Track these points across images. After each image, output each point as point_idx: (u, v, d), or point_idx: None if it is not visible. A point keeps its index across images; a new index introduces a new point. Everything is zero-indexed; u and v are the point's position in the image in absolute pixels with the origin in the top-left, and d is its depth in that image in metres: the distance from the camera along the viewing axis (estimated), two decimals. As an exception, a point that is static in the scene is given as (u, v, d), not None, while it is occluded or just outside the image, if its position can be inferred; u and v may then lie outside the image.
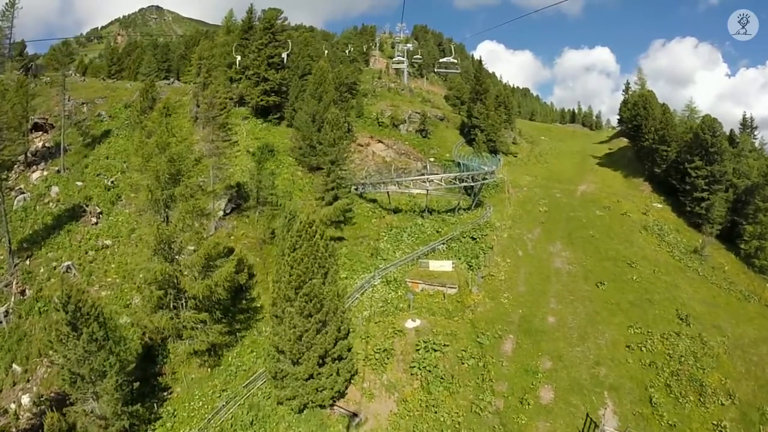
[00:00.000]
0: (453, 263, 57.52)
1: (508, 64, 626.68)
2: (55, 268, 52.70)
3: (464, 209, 75.40)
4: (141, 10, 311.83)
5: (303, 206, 65.25)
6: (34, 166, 66.25)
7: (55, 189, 62.84)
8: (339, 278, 57.76)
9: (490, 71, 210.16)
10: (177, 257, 45.73)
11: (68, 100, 77.79)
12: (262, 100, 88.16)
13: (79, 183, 64.63)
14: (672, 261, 64.06)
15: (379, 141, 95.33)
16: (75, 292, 35.45)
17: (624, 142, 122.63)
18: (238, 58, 77.57)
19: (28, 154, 67.29)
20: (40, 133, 73.18)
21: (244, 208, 66.53)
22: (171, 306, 45.34)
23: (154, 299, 43.91)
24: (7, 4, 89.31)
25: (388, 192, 74.83)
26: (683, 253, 66.33)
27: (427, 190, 72.95)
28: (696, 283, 59.05)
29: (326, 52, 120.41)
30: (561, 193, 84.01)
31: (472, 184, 73.30)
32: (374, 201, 76.40)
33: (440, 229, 68.93)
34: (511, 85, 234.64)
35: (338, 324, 38.88)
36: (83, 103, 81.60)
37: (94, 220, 60.15)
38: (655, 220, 74.71)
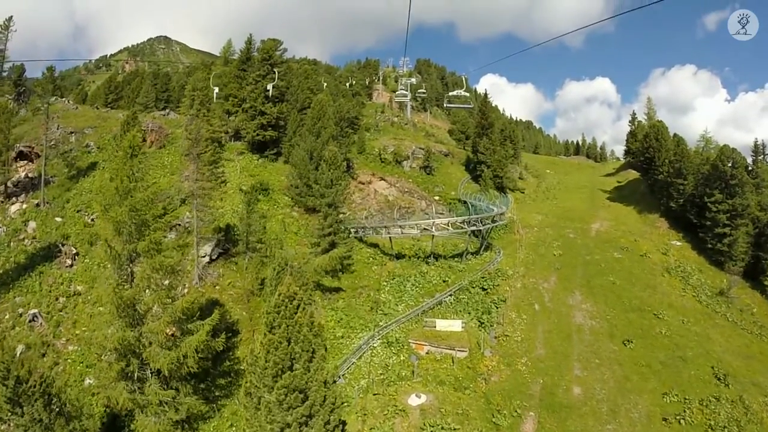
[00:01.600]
0: (463, 323, 49.37)
1: (511, 97, 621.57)
2: (21, 315, 45.44)
3: (472, 253, 67.15)
4: (150, 40, 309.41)
5: (296, 254, 57.08)
6: (14, 198, 58.79)
7: (32, 225, 55.44)
8: (335, 337, 50.02)
9: (493, 104, 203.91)
10: (143, 320, 37.47)
11: (57, 129, 71.04)
12: (258, 134, 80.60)
13: (59, 219, 57.23)
14: (699, 307, 57.03)
15: (382, 178, 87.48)
16: (16, 364, 27.44)
17: (633, 174, 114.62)
18: (216, 89, 69.71)
19: (9, 185, 59.93)
20: (25, 162, 65.67)
21: (233, 253, 58.31)
22: (134, 377, 36.95)
23: (114, 370, 35.72)
24: (0, 26, 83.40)
25: (390, 236, 66.72)
26: (709, 296, 59.30)
27: (433, 235, 64.67)
28: (727, 332, 52.77)
29: (325, 84, 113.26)
30: (574, 233, 75.95)
31: (481, 227, 64.87)
32: (375, 246, 68.24)
33: (447, 278, 60.93)
34: (514, 118, 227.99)
35: (326, 416, 30.29)
36: (71, 133, 73.70)
37: (69, 261, 52.39)
38: (676, 261, 67.09)
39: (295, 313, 29.51)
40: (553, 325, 52.08)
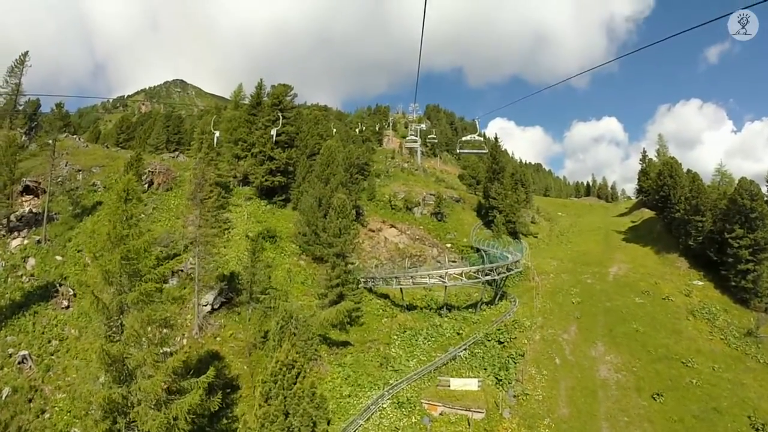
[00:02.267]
0: (479, 381, 45.29)
1: (519, 141, 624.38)
2: (11, 355, 42.47)
3: (487, 303, 63.35)
4: (166, 82, 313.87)
5: (301, 306, 53.74)
6: (16, 232, 56.36)
7: (31, 261, 52.89)
8: (341, 396, 46.16)
9: (503, 149, 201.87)
10: (132, 376, 33.93)
11: (65, 165, 69.35)
12: (266, 179, 78.22)
13: (59, 257, 54.57)
14: (728, 350, 53.24)
15: (392, 226, 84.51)
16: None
17: (647, 213, 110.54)
18: (216, 134, 67.47)
19: (12, 218, 57.64)
20: (30, 197, 63.60)
21: (236, 302, 54.84)
22: (122, 438, 33.23)
23: (100, 429, 32.09)
24: (16, 60, 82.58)
25: (401, 287, 62.97)
26: (737, 338, 55.23)
27: (446, 285, 60.91)
28: (760, 375, 49.11)
29: (335, 130, 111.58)
30: (592, 279, 71.98)
31: (496, 277, 61.07)
32: (385, 296, 64.72)
33: (461, 330, 57.09)
34: (524, 161, 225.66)
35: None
36: (79, 170, 71.81)
37: (65, 303, 49.48)
38: (700, 302, 62.95)
39: (294, 383, 26.14)
40: (576, 380, 47.97)
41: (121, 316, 33.39)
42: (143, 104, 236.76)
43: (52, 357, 44.14)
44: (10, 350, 42.95)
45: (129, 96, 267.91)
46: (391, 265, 75.02)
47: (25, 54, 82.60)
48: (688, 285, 68.36)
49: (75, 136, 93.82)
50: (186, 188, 69.43)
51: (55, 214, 60.91)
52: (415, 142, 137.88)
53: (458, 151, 45.58)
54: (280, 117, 74.66)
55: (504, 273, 61.58)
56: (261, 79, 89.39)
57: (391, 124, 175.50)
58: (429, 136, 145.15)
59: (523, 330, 55.33)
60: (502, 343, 53.18)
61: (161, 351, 35.45)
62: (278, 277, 61.18)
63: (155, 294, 33.93)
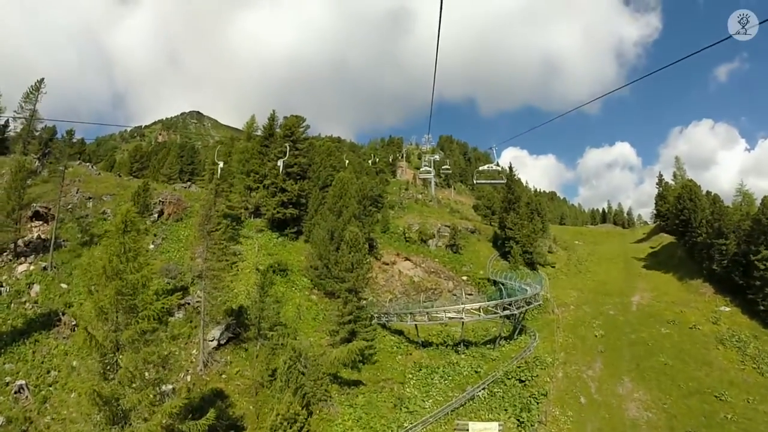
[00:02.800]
0: (500, 425, 42.14)
1: (532, 169, 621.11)
2: (8, 384, 40.66)
3: (505, 338, 60.10)
4: (182, 114, 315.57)
5: (311, 344, 51.04)
6: (23, 258, 54.83)
7: (36, 288, 51.22)
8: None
9: (517, 178, 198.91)
10: (127, 418, 31.25)
11: (75, 193, 68.47)
12: (278, 211, 76.27)
13: (64, 285, 52.82)
14: (762, 380, 49.45)
15: (407, 258, 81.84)
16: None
17: (666, 238, 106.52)
18: (220, 164, 65.65)
19: (20, 243, 56.12)
20: (40, 222, 62.15)
21: (244, 338, 52.28)
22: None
23: None
24: (31, 87, 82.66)
25: (416, 323, 59.82)
26: None
27: (463, 321, 57.76)
28: None
29: (347, 162, 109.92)
30: (614, 309, 68.66)
31: (515, 311, 57.86)
32: (400, 333, 61.60)
33: (479, 368, 53.82)
34: (538, 190, 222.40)
35: None
36: (89, 198, 70.55)
37: (67, 332, 47.45)
38: (728, 330, 59.26)
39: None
40: (604, 421, 44.55)
41: (116, 353, 31.09)
42: (160, 134, 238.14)
43: (50, 388, 42.08)
44: (8, 378, 41.24)
45: (146, 126, 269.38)
46: (405, 299, 72.26)
47: (41, 81, 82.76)
48: (715, 312, 64.74)
49: (88, 163, 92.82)
50: (196, 219, 68.28)
51: (64, 241, 59.53)
52: (429, 173, 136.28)
53: (475, 181, 43.21)
54: (288, 148, 73.15)
55: (523, 306, 58.39)
56: (273, 111, 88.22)
57: (404, 156, 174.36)
58: (443, 167, 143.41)
59: (544, 367, 52.07)
60: (524, 381, 49.91)
61: (161, 390, 33.11)
62: (288, 312, 58.81)
63: (153, 332, 31.67)
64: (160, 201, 70.93)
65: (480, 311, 56.36)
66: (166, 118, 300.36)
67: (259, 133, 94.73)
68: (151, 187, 73.26)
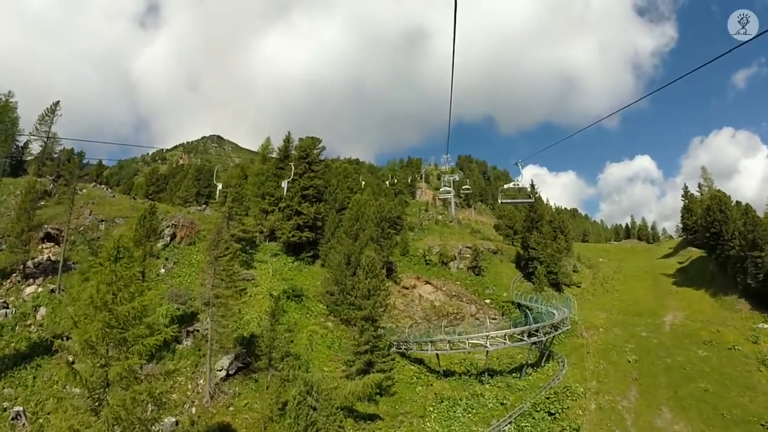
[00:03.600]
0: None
1: (553, 187, 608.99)
2: (6, 410, 38.56)
3: (532, 365, 56.09)
4: (203, 138, 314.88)
5: (324, 376, 47.57)
6: (32, 279, 53.08)
7: (42, 311, 49.39)
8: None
9: (538, 195, 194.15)
10: None
11: (89, 215, 66.95)
12: (293, 235, 73.38)
13: (71, 309, 50.05)
14: None
15: (427, 282, 78.34)
16: None
17: (695, 252, 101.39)
18: (219, 186, 62.56)
19: (30, 265, 54.52)
20: (51, 244, 60.50)
21: (254, 368, 48.90)
22: None
23: None
24: (47, 109, 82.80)
25: (437, 352, 56.05)
26: None
27: (487, 350, 53.91)
28: None
29: (364, 183, 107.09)
30: (647, 331, 64.53)
31: (543, 338, 53.74)
32: (420, 362, 57.84)
33: (505, 400, 49.89)
34: (560, 207, 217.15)
35: None
36: (102, 221, 68.74)
37: (71, 358, 44.52)
38: (771, 348, 54.71)
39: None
40: (643, 458, 40.46)
41: (106, 389, 28.19)
42: (180, 158, 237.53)
43: (48, 416, 39.49)
44: (6, 404, 39.15)
45: (168, 150, 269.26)
46: (426, 324, 68.88)
47: (56, 103, 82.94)
48: (754, 330, 60.53)
49: (103, 185, 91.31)
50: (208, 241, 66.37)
51: (74, 263, 57.56)
52: (449, 193, 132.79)
53: (500, 201, 39.07)
54: (293, 167, 70.66)
55: (551, 332, 54.22)
56: (289, 132, 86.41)
57: (423, 177, 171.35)
58: (463, 187, 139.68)
59: (575, 398, 48.12)
60: (553, 414, 46.02)
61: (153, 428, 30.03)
62: (301, 341, 55.79)
63: (138, 369, 28.67)
64: (173, 224, 68.75)
65: (505, 338, 52.28)
66: (187, 142, 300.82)
67: (274, 155, 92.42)
68: (163, 210, 71.51)
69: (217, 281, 47.31)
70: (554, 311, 59.52)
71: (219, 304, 46.76)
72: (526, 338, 52.63)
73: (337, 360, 53.96)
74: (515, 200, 39.25)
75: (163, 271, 61.82)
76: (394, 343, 56.98)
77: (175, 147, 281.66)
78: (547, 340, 55.76)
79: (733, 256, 74.56)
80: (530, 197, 39.70)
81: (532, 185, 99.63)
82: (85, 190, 74.68)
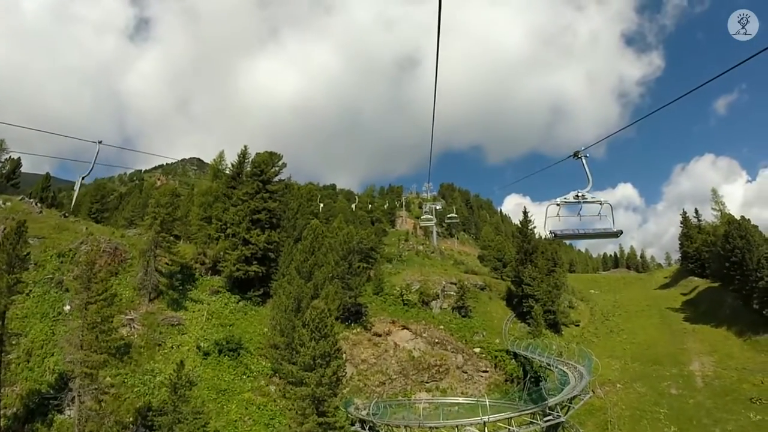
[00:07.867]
0: None
1: (536, 217, 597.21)
2: None
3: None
4: (183, 160, 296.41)
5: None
6: None
7: None
8: None
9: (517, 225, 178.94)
10: None
11: (2, 231, 49.48)
12: (239, 269, 56.00)
13: None
14: None
15: (404, 327, 61.29)
16: None
17: (699, 282, 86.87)
18: (76, 192, 42.30)
19: None
20: None
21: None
22: None
23: None
24: None
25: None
26: None
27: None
28: None
29: (322, 205, 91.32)
30: (676, 387, 49.60)
31: (561, 419, 35.59)
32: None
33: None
34: (544, 237, 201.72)
35: None
36: None
37: None
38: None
39: None
40: None
41: None
42: (158, 179, 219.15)
43: None
44: None
45: (146, 171, 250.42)
46: (403, 380, 52.57)
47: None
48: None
49: (31, 199, 72.84)
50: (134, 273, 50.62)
51: None
52: (431, 221, 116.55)
53: (550, 234, 18.30)
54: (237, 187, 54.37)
55: (569, 406, 36.56)
56: (245, 146, 68.41)
57: (404, 204, 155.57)
58: (448, 215, 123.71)
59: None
60: None
61: None
62: (232, 413, 39.00)
63: None
64: (85, 250, 51.14)
65: (512, 424, 33.98)
66: (167, 164, 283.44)
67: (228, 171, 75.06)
68: (98, 231, 55.36)
69: (88, 339, 30.55)
70: (567, 371, 42.00)
71: (84, 374, 29.84)
72: (539, 421, 34.39)
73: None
74: (578, 232, 19.29)
75: (67, 308, 44.64)
76: (354, 419, 39.80)
77: (155, 168, 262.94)
78: (566, 420, 37.57)
79: (761, 289, 61.07)
80: (613, 228, 18.06)
81: (525, 213, 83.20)
82: (9, 203, 57.98)
